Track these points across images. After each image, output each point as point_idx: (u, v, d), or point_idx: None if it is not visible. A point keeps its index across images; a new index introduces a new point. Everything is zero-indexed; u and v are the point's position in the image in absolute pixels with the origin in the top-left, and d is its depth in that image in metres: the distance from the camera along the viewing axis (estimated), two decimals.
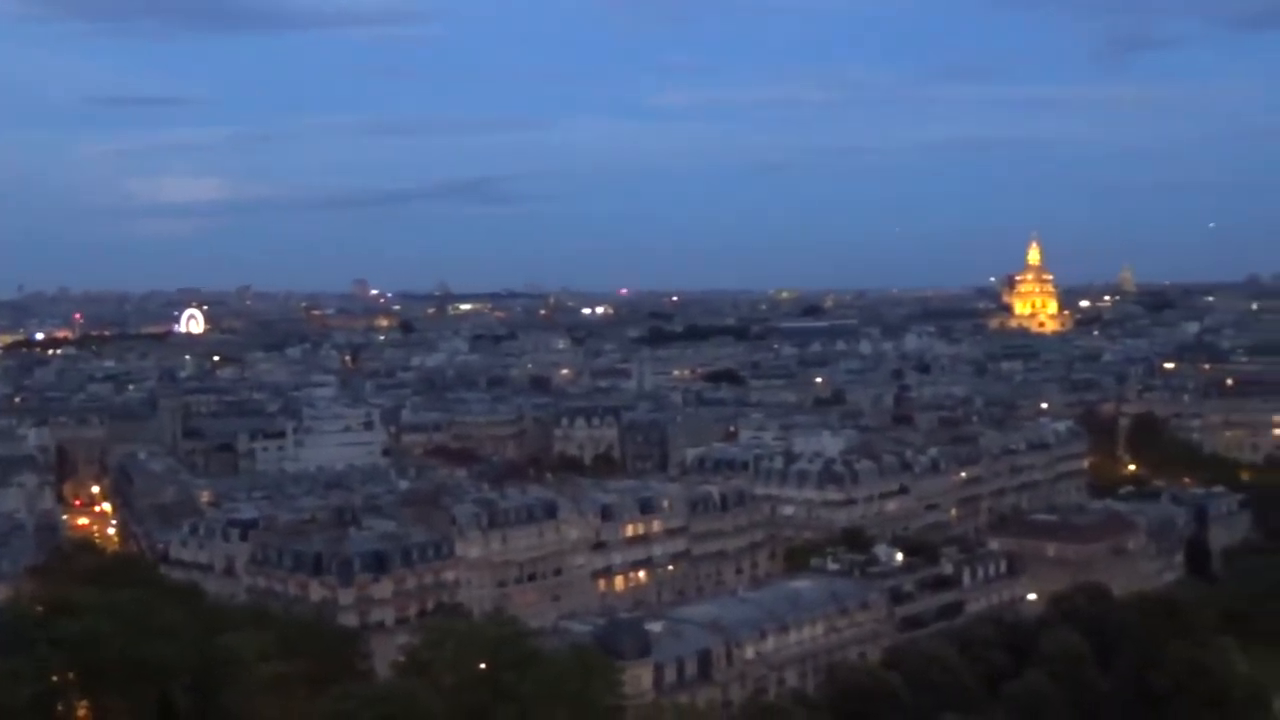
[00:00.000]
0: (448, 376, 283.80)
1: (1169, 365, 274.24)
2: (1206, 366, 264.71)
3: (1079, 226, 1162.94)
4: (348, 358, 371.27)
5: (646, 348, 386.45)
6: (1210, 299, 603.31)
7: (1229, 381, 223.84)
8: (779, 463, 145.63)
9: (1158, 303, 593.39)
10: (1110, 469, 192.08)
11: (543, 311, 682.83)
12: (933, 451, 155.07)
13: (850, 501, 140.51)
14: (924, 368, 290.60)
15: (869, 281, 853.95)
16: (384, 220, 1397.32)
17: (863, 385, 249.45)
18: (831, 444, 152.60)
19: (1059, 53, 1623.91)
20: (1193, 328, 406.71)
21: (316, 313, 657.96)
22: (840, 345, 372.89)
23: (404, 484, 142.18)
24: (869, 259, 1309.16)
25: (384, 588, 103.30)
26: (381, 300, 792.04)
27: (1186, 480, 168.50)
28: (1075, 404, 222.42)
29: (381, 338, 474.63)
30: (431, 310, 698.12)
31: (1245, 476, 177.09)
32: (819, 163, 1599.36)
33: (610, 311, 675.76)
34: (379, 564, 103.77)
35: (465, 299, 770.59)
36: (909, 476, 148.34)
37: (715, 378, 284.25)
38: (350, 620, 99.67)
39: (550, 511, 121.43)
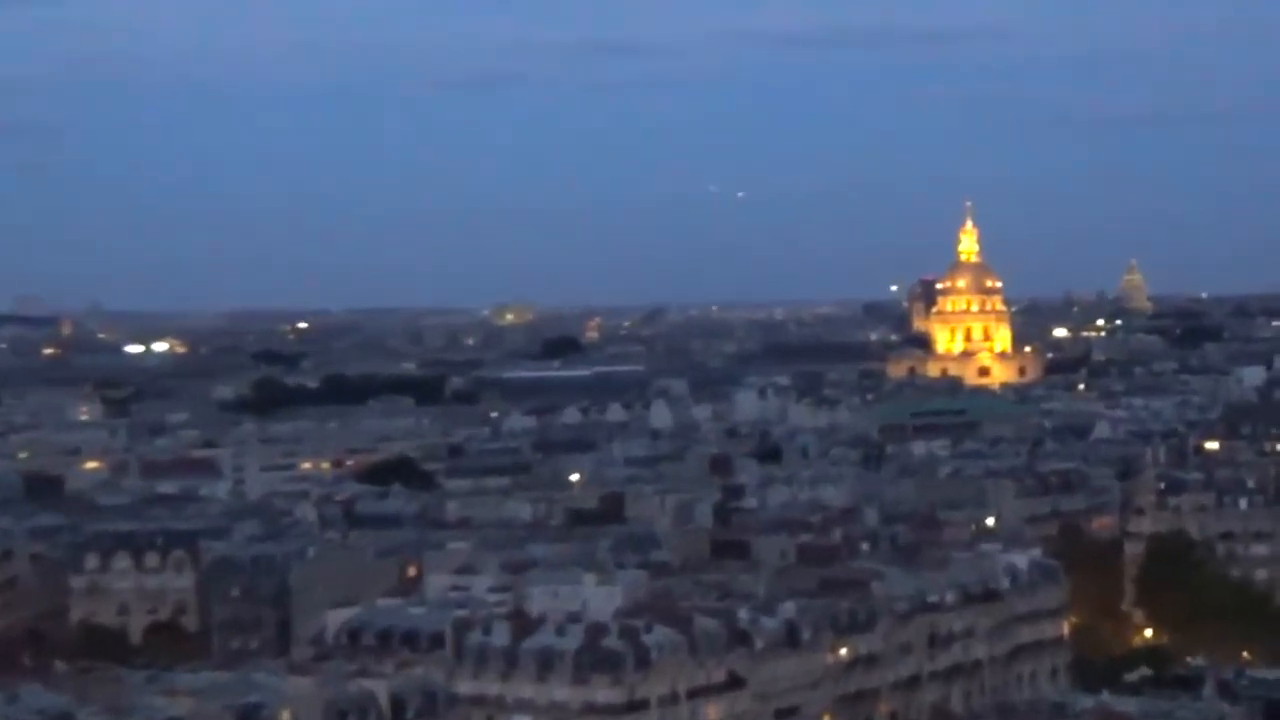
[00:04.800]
0: None
1: (1211, 445, 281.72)
2: (1278, 447, 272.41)
3: (1026, 188, 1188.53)
4: None
5: (249, 419, 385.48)
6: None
7: None
8: (502, 635, 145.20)
9: (1188, 330, 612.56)
10: (1111, 635, 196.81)
11: (50, 350, 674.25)
12: (787, 609, 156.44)
13: (636, 705, 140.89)
14: (771, 453, 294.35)
15: (667, 292, 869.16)
16: None
17: (657, 486, 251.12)
18: (601, 598, 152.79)
19: None
20: (1253, 375, 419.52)
21: None
22: (615, 411, 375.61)
23: None
24: (667, 251, 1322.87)
25: None
26: None
27: (1245, 654, 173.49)
28: (1047, 517, 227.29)
29: None
30: None
31: None
32: (566, 73, 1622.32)
33: (181, 350, 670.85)
34: None
35: None
36: (743, 657, 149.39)
37: (381, 474, 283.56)
38: None
39: None
